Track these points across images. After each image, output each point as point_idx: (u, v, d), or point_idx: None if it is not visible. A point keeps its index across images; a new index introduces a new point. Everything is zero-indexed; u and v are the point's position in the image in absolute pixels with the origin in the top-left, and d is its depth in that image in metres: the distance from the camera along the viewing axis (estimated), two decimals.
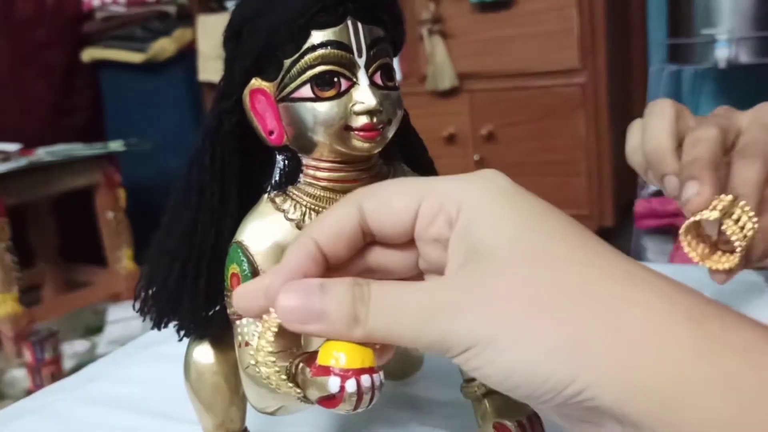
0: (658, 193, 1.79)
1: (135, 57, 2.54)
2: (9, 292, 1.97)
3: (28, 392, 1.64)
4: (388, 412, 0.51)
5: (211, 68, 2.44)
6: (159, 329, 0.42)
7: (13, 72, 2.54)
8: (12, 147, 2.15)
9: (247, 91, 0.40)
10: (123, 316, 2.10)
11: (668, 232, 1.75)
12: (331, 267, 0.30)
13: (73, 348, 1.94)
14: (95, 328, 2.13)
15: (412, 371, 0.54)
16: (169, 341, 0.68)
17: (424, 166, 0.47)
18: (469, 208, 0.28)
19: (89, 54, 2.66)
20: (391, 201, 0.29)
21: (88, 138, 2.42)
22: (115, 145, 2.28)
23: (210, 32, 2.42)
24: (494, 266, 0.26)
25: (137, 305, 0.43)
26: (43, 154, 2.11)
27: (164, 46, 2.50)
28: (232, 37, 0.40)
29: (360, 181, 0.41)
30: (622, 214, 1.92)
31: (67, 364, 1.81)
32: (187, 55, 2.51)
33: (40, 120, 2.61)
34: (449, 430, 0.50)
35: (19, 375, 1.80)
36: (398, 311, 0.27)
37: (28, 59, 2.59)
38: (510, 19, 1.90)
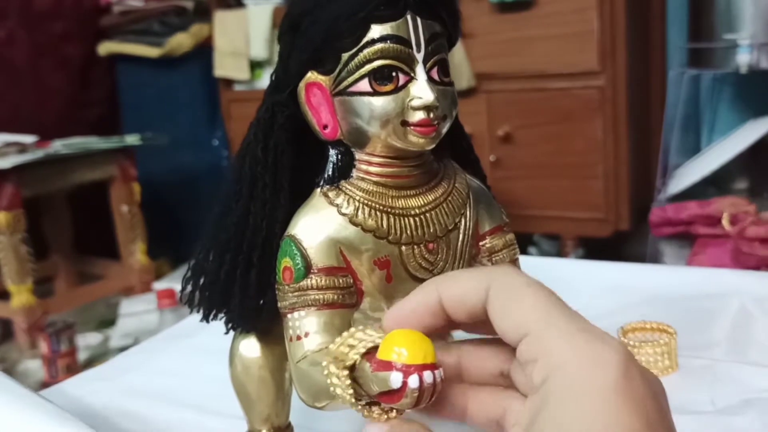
0: (674, 199, 1.78)
1: (152, 51, 2.54)
2: (24, 283, 1.97)
3: (44, 384, 1.64)
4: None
5: (227, 64, 2.44)
6: (208, 321, 0.42)
7: (31, 64, 2.55)
8: (28, 139, 2.15)
9: (302, 85, 0.40)
10: (136, 310, 2.10)
11: (685, 237, 1.75)
12: (449, 323, 0.33)
13: (86, 340, 1.94)
14: (108, 321, 2.13)
15: None
16: (200, 333, 0.69)
17: (471, 165, 0.47)
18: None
19: (106, 48, 2.66)
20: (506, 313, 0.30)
21: (103, 131, 2.43)
22: (131, 139, 2.28)
23: (227, 28, 2.42)
24: None
25: (184, 297, 0.43)
26: (59, 146, 2.11)
27: (181, 42, 2.50)
28: (289, 29, 0.40)
29: (411, 177, 0.41)
30: (639, 218, 1.91)
31: (81, 356, 1.81)
32: (204, 50, 2.51)
33: (57, 112, 2.61)
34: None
35: (33, 366, 1.80)
36: None
37: (46, 52, 2.59)
38: (529, 20, 1.89)
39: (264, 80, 2.42)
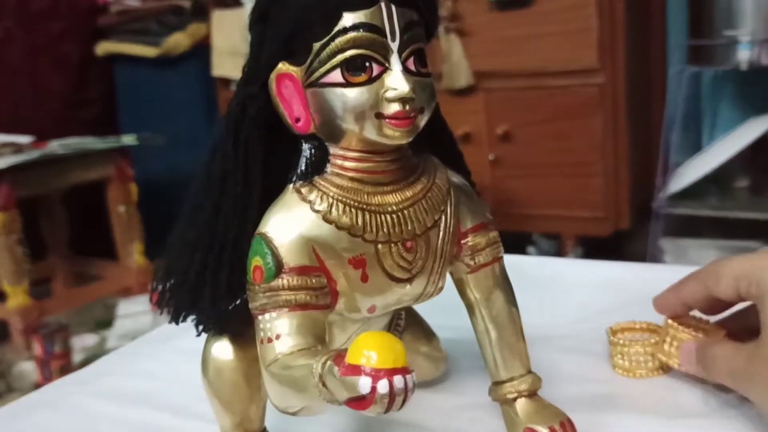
0: (677, 196, 1.76)
1: (149, 51, 2.53)
2: (19, 284, 1.96)
3: (37, 386, 1.63)
4: (410, 416, 0.49)
5: (225, 64, 2.43)
6: (177, 323, 0.41)
7: (27, 64, 2.54)
8: (25, 139, 2.14)
9: (273, 76, 0.38)
10: (133, 311, 2.09)
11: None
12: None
13: (82, 342, 1.93)
14: (105, 322, 2.12)
15: (436, 374, 0.52)
16: (182, 335, 0.67)
17: (454, 159, 0.45)
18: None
19: (104, 48, 2.65)
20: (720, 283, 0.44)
21: (100, 131, 2.41)
22: (129, 139, 2.27)
23: (225, 28, 2.41)
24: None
25: (154, 298, 0.41)
26: (56, 146, 2.10)
27: (178, 41, 2.49)
28: (258, 19, 0.38)
29: (388, 173, 0.39)
30: (639, 217, 1.90)
31: (77, 357, 1.80)
32: (202, 50, 2.49)
33: (54, 112, 2.60)
34: None
35: (28, 368, 1.79)
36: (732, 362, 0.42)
37: (43, 51, 2.58)
38: (528, 18, 1.88)
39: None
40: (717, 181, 1.82)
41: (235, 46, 2.37)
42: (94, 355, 1.90)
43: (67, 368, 1.62)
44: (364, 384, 0.28)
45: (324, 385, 0.31)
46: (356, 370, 0.28)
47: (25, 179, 1.98)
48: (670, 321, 0.48)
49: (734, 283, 0.42)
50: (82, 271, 2.46)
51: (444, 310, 0.49)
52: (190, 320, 0.41)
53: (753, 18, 1.68)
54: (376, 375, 0.28)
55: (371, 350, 0.29)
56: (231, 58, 2.40)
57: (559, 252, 1.98)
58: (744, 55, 1.67)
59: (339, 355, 0.30)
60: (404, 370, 0.29)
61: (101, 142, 2.22)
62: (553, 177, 1.93)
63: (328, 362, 0.30)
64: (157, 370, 0.61)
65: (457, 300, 0.45)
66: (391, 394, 0.28)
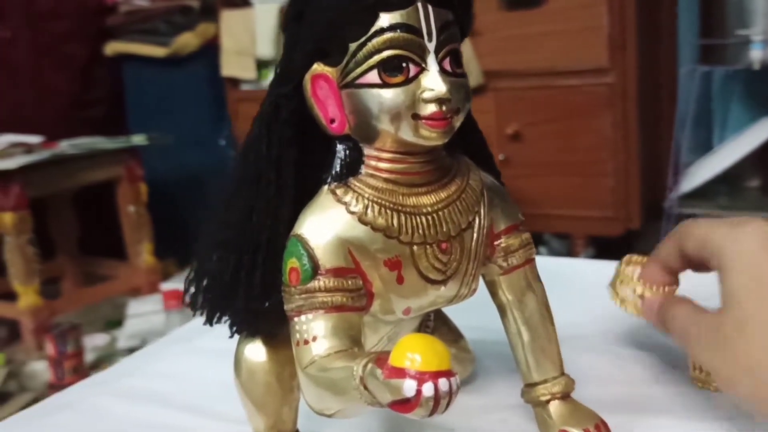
0: (688, 196, 1.76)
1: (158, 51, 2.53)
2: (30, 284, 1.96)
3: (50, 385, 1.63)
4: (439, 417, 0.49)
5: (233, 64, 2.43)
6: (211, 324, 0.41)
7: (34, 64, 2.54)
8: (35, 139, 2.15)
9: (308, 77, 0.38)
10: (143, 310, 2.09)
11: None
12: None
13: (93, 341, 1.93)
14: (115, 322, 2.12)
15: (463, 374, 0.52)
16: (203, 336, 0.67)
17: (484, 160, 0.45)
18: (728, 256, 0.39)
19: (112, 48, 2.65)
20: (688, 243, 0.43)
21: (107, 131, 2.42)
22: (138, 139, 2.27)
23: (233, 28, 2.41)
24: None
25: (187, 299, 0.41)
26: (65, 146, 2.10)
27: (187, 41, 2.49)
28: (293, 19, 0.38)
29: (423, 174, 0.39)
30: (650, 217, 1.89)
31: (87, 357, 1.80)
32: (210, 50, 2.49)
33: (61, 112, 2.60)
34: None
35: (40, 368, 1.79)
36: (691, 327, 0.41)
37: (50, 51, 2.58)
38: (538, 17, 1.87)
39: (270, 79, 2.41)
40: (728, 180, 1.81)
41: (244, 46, 2.37)
42: (105, 355, 1.90)
43: (79, 368, 1.62)
44: (409, 387, 0.28)
45: (365, 387, 0.30)
46: (400, 372, 0.28)
47: (35, 179, 1.98)
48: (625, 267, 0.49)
49: (699, 248, 0.42)
50: (91, 270, 2.46)
51: (469, 311, 0.48)
52: (224, 321, 0.41)
53: (765, 17, 1.68)
54: (421, 378, 0.28)
55: (415, 353, 0.29)
56: (240, 58, 2.40)
57: (570, 252, 1.98)
58: (756, 55, 1.67)
59: (380, 358, 0.30)
60: (448, 373, 0.28)
61: (111, 142, 2.23)
62: (563, 176, 1.93)
63: (370, 365, 0.30)
64: (178, 371, 0.61)
65: (482, 300, 0.44)
66: (436, 396, 0.28)
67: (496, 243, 0.42)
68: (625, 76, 1.81)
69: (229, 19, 2.42)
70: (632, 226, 1.88)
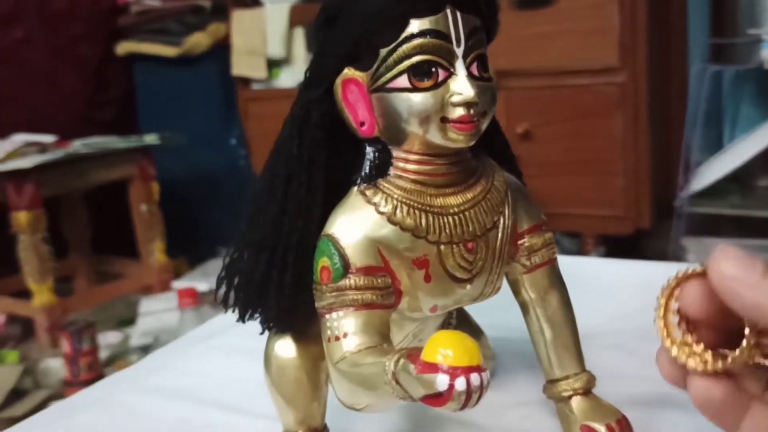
0: (699, 194, 1.76)
1: (169, 51, 2.54)
2: (44, 282, 1.98)
3: (65, 382, 1.65)
4: (460, 413, 0.50)
5: (244, 63, 2.44)
6: (243, 322, 0.42)
7: (48, 64, 2.56)
8: (48, 139, 2.16)
9: (338, 81, 0.39)
10: (155, 309, 2.11)
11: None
12: None
13: (106, 339, 1.95)
14: (127, 320, 2.14)
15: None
16: (224, 333, 0.68)
17: (507, 161, 0.46)
18: None
19: (124, 47, 2.67)
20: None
21: (119, 131, 2.43)
22: (150, 139, 2.28)
23: (244, 27, 2.42)
24: None
25: (219, 296, 0.43)
26: (79, 146, 2.12)
27: (198, 41, 2.50)
28: (324, 24, 0.39)
29: (450, 175, 0.40)
30: (660, 216, 1.90)
31: (102, 355, 1.82)
32: (221, 49, 2.50)
33: (74, 112, 2.62)
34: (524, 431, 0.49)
35: (54, 365, 1.81)
36: None
37: (64, 52, 2.60)
38: (549, 17, 1.88)
39: (281, 79, 2.42)
40: (738, 179, 1.81)
41: (255, 45, 2.38)
42: (118, 353, 1.92)
43: (94, 365, 1.64)
44: (441, 381, 0.29)
45: (397, 382, 0.32)
46: (433, 367, 0.29)
47: (49, 179, 2.00)
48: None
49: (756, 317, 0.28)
50: (103, 269, 2.48)
51: (489, 309, 0.49)
52: (255, 318, 0.42)
53: None
54: (453, 373, 0.29)
55: (447, 348, 0.30)
56: (251, 57, 2.42)
57: (581, 250, 1.98)
58: (767, 54, 1.67)
59: (412, 354, 0.31)
60: (479, 368, 0.29)
61: (124, 142, 2.24)
62: (573, 176, 1.93)
63: (402, 360, 0.31)
64: (203, 368, 0.62)
65: (501, 299, 0.45)
66: (468, 391, 0.29)
67: (519, 242, 0.43)
68: (635, 76, 1.81)
69: (240, 19, 2.43)
70: (643, 225, 1.89)
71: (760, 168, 1.83)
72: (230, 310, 0.42)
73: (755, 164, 1.76)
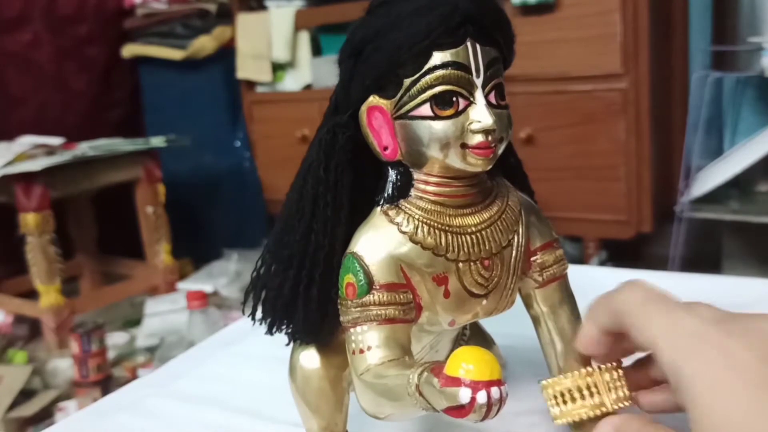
0: (699, 200, 1.78)
1: (175, 54, 2.57)
2: (52, 283, 2.00)
3: (74, 383, 1.67)
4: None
5: (249, 66, 2.46)
6: (272, 334, 0.44)
7: (55, 67, 2.58)
8: (56, 141, 2.19)
9: (364, 108, 0.41)
10: (160, 310, 2.13)
11: None
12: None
13: (112, 340, 1.97)
14: (133, 321, 2.16)
15: None
16: (244, 340, 0.70)
17: (520, 181, 0.48)
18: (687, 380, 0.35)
19: (130, 50, 2.69)
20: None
21: (125, 133, 2.46)
22: (157, 141, 2.30)
23: (249, 31, 2.44)
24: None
25: (247, 310, 0.45)
26: (86, 148, 2.14)
27: (204, 44, 2.53)
28: (351, 55, 0.41)
29: (468, 196, 0.42)
30: (661, 221, 1.92)
31: (109, 356, 1.84)
32: (227, 53, 2.53)
33: (80, 114, 2.65)
34: None
35: (63, 365, 1.83)
36: None
37: (70, 54, 2.63)
38: (552, 23, 1.90)
39: (286, 82, 2.44)
40: (739, 185, 1.84)
41: (260, 49, 2.40)
42: (124, 353, 1.94)
43: (103, 366, 1.66)
44: (464, 394, 0.31)
45: (421, 394, 0.34)
46: (456, 381, 0.32)
47: (57, 180, 2.02)
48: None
49: (641, 343, 0.38)
50: (109, 270, 2.50)
51: (501, 320, 0.51)
52: (283, 331, 0.44)
53: None
54: (475, 386, 0.31)
55: (469, 363, 0.32)
56: (255, 60, 2.44)
57: (582, 254, 2.00)
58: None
59: (435, 368, 0.33)
60: (499, 382, 0.32)
61: (130, 144, 2.26)
62: (575, 181, 1.95)
63: (425, 373, 0.34)
64: (225, 374, 0.64)
65: (513, 310, 0.47)
66: (489, 403, 0.31)
67: (532, 259, 0.45)
68: (638, 82, 1.83)
69: (245, 23, 2.45)
70: (644, 230, 1.91)
71: (760, 174, 1.85)
72: (258, 323, 0.44)
73: (756, 170, 1.78)
